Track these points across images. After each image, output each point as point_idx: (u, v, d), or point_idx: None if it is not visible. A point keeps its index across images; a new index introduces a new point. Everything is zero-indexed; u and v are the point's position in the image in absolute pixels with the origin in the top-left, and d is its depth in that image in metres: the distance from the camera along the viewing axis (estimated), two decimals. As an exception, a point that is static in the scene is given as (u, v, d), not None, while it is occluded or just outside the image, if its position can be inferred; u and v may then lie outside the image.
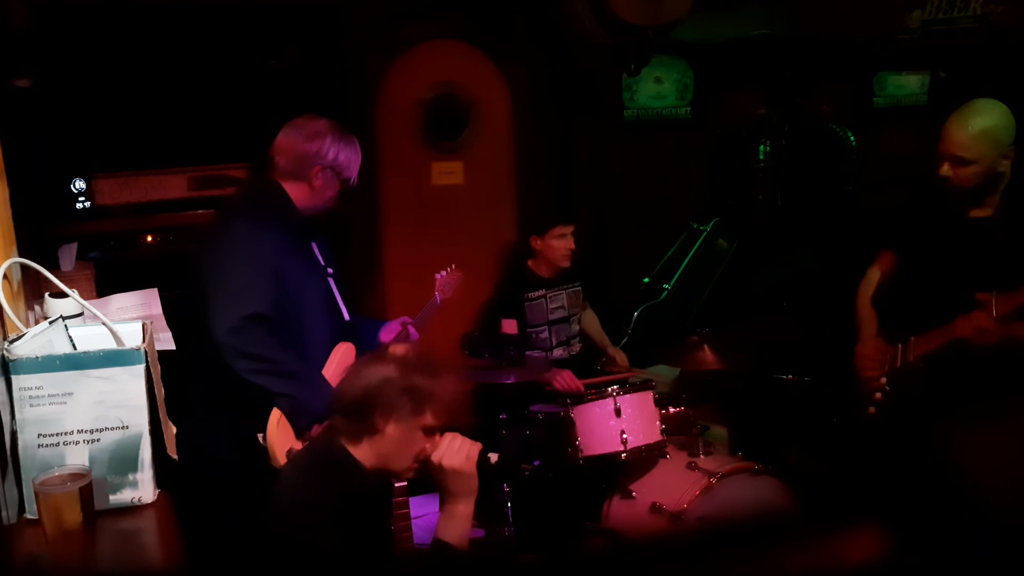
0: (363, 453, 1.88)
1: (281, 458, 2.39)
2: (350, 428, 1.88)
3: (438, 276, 3.31)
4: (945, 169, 2.60)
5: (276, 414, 2.43)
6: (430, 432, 1.89)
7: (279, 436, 2.41)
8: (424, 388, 1.86)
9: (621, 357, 3.95)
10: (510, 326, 3.53)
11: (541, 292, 3.71)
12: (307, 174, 2.61)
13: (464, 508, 1.91)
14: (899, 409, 2.74)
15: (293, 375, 2.42)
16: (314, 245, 2.72)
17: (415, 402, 1.85)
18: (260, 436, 2.42)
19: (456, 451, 1.89)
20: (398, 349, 1.92)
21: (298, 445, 2.37)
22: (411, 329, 3.01)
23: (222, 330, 2.35)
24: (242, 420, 2.46)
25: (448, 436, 1.92)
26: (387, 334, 2.99)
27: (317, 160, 2.60)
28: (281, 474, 1.98)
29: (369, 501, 1.87)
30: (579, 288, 3.84)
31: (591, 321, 4.02)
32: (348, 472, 1.86)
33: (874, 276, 2.98)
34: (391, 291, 4.72)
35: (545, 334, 3.71)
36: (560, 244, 3.64)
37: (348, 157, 2.66)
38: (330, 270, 2.73)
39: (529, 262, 3.74)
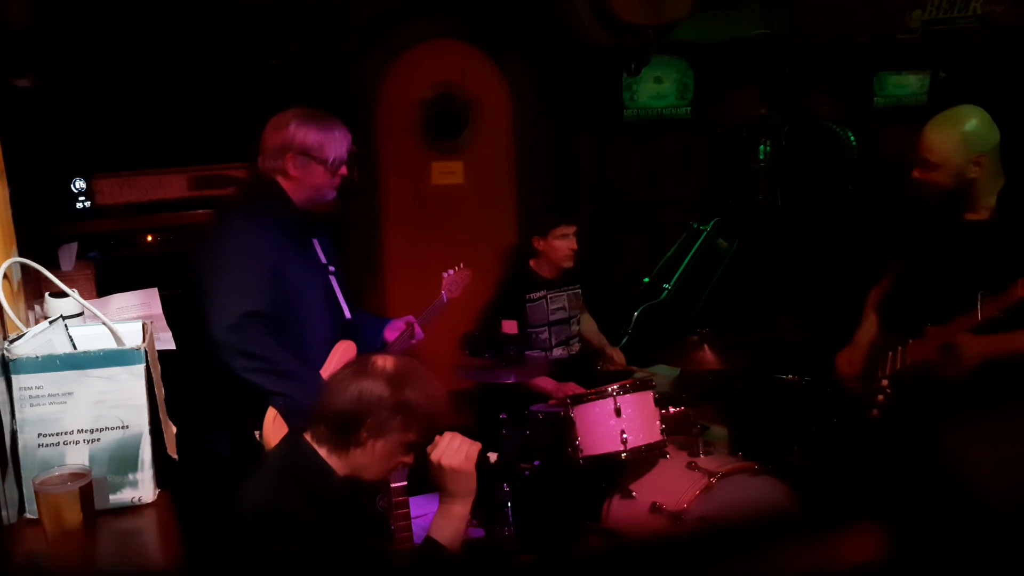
0: (337, 460, 1.87)
1: None
2: (332, 438, 1.86)
3: (445, 275, 3.28)
4: (916, 172, 2.64)
5: (272, 411, 2.43)
6: (412, 448, 1.88)
7: (275, 433, 2.41)
8: (415, 406, 1.84)
9: (619, 356, 3.95)
10: (510, 326, 3.53)
11: (542, 293, 3.71)
12: (283, 165, 2.57)
13: (461, 508, 1.90)
14: (899, 411, 2.74)
15: (289, 374, 2.41)
16: (315, 242, 2.71)
17: (405, 420, 1.84)
18: (256, 433, 2.42)
19: (455, 450, 1.88)
20: (387, 362, 1.88)
21: None
22: (416, 328, 2.98)
23: (220, 327, 2.34)
24: (240, 417, 2.46)
25: (448, 435, 1.91)
26: (391, 332, 2.97)
27: (286, 148, 2.56)
28: (250, 475, 1.96)
29: (337, 506, 1.84)
30: (579, 290, 3.84)
31: (588, 324, 4.02)
32: (316, 476, 1.85)
33: (885, 286, 2.99)
34: (391, 291, 4.72)
35: (545, 335, 3.71)
36: (562, 244, 3.64)
37: (318, 138, 2.57)
38: (331, 268, 2.71)
39: (531, 262, 3.73)
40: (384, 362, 1.88)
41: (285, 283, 2.50)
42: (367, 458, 1.86)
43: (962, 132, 2.55)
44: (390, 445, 1.86)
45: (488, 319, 3.63)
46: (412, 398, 1.84)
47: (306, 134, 2.56)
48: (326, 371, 2.54)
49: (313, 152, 2.57)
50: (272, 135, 2.59)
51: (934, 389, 2.60)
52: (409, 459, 1.91)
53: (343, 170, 2.64)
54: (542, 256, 3.70)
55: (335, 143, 2.60)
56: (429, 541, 1.88)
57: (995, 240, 2.57)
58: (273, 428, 2.42)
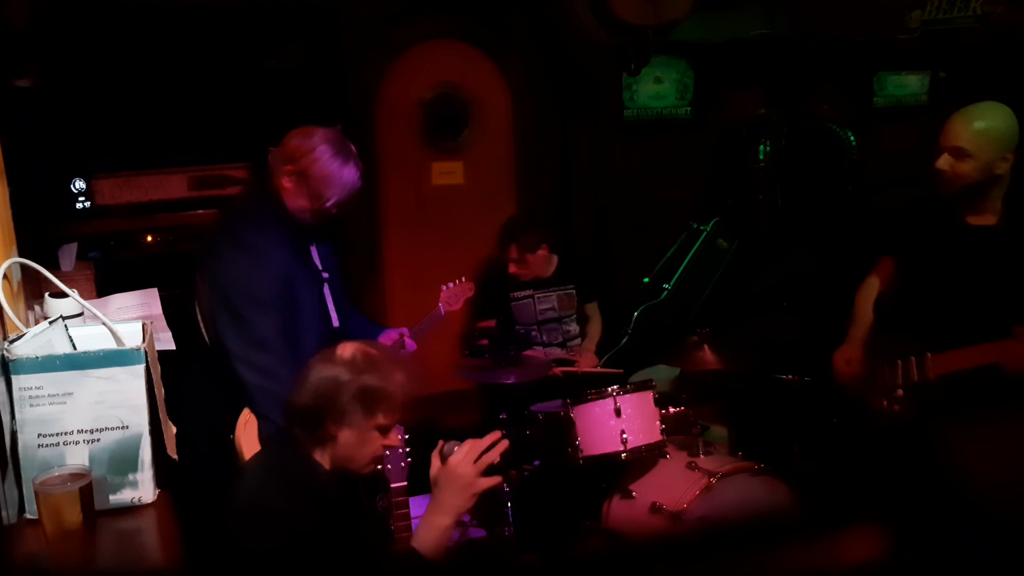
0: (322, 456, 1.86)
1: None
2: (305, 435, 1.85)
3: (444, 288, 3.22)
4: (942, 162, 2.55)
5: (244, 415, 2.43)
6: (385, 431, 1.87)
7: (247, 436, 2.43)
8: (374, 389, 1.82)
9: (587, 359, 3.80)
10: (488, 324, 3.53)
11: (528, 292, 3.69)
12: (281, 173, 2.49)
13: (445, 520, 1.85)
14: (915, 419, 2.68)
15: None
16: (313, 248, 2.68)
17: (366, 405, 1.82)
18: (232, 436, 2.43)
19: (476, 463, 1.84)
20: (345, 350, 1.86)
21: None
22: (408, 340, 2.94)
23: (243, 343, 2.36)
24: (221, 419, 2.47)
25: (468, 444, 1.87)
26: (385, 341, 2.96)
27: (292, 161, 2.47)
28: (239, 475, 1.95)
29: (328, 503, 1.83)
30: (572, 290, 3.80)
31: (594, 327, 3.96)
32: (305, 473, 1.84)
33: (873, 283, 2.95)
34: (391, 291, 4.72)
35: (535, 333, 3.70)
36: (531, 258, 3.62)
37: (327, 174, 2.45)
38: (326, 274, 2.68)
39: (511, 267, 3.69)
40: (342, 350, 1.86)
41: (286, 292, 2.49)
42: (344, 449, 1.85)
43: (998, 126, 2.52)
44: (357, 432, 1.84)
45: (472, 318, 3.63)
46: (371, 382, 1.82)
47: (316, 161, 2.44)
48: None
49: (312, 182, 2.46)
50: (291, 140, 2.50)
51: (953, 406, 2.55)
52: (392, 441, 1.89)
53: (333, 209, 2.53)
54: (520, 263, 3.66)
55: (339, 186, 2.48)
56: (410, 552, 1.85)
57: (1004, 245, 2.55)
58: (244, 431, 2.42)
